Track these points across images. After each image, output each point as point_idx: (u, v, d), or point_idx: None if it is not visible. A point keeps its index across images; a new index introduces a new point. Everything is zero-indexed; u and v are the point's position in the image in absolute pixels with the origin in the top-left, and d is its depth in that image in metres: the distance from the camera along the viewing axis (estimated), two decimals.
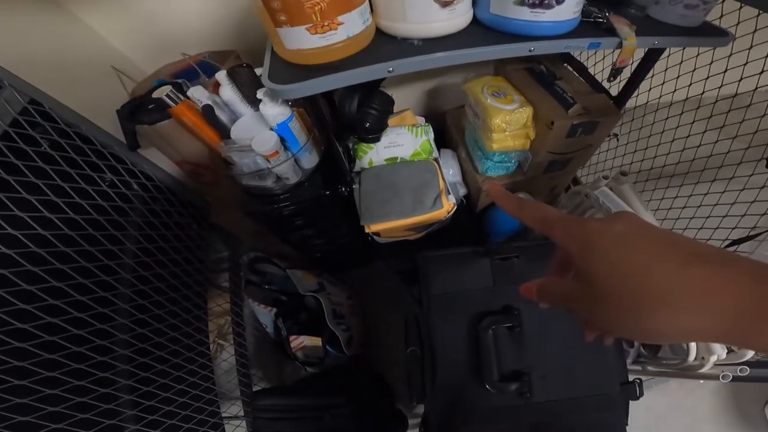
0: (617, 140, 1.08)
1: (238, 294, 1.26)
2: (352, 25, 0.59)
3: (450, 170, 1.18)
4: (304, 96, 0.63)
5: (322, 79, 0.61)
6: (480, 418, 0.71)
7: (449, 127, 1.24)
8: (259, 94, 0.73)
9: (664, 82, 1.00)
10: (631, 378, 0.74)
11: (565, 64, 1.04)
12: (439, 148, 1.15)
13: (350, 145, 1.03)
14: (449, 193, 0.99)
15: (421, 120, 1.07)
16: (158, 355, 0.91)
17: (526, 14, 0.60)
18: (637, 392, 0.73)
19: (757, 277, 0.22)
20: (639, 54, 0.83)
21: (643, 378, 1.22)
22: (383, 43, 0.65)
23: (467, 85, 1.00)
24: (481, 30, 0.66)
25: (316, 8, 0.54)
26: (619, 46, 0.64)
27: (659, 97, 1.03)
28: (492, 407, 0.71)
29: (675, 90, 0.98)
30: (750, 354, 0.69)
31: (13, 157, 0.65)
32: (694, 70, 0.92)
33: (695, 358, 0.74)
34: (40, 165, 0.70)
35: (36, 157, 0.69)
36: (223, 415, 1.21)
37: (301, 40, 0.58)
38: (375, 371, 1.21)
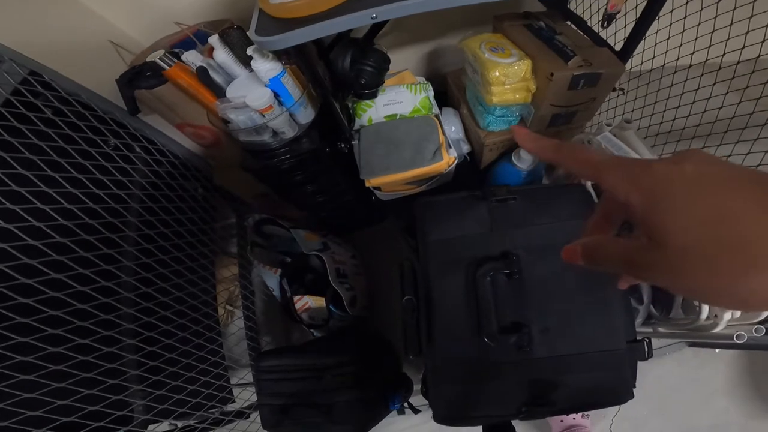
0: (624, 94, 1.05)
1: (246, 259, 1.29)
2: None
3: (452, 127, 1.18)
4: (288, 46, 0.63)
5: (306, 29, 0.61)
6: (476, 374, 0.69)
7: (450, 87, 1.23)
8: (249, 51, 0.75)
9: (681, 44, 0.95)
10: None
11: (568, 22, 1.01)
12: (441, 107, 1.15)
13: (350, 104, 1.03)
14: (450, 147, 1.00)
15: (421, 79, 1.07)
16: (165, 329, 0.93)
17: None
18: (646, 352, 0.70)
19: None
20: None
21: (656, 346, 1.23)
22: None
23: (465, 42, 0.99)
24: None
25: None
26: None
27: (677, 59, 0.98)
28: (490, 361, 0.69)
29: (693, 52, 0.92)
30: (766, 313, 0.65)
31: (16, 122, 0.68)
32: (713, 31, 0.86)
33: (707, 317, 0.70)
34: (44, 129, 0.73)
35: (38, 122, 0.72)
36: (236, 382, 1.26)
37: None
38: (379, 333, 1.22)
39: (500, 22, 1.02)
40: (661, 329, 0.85)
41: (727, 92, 0.87)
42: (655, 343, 1.24)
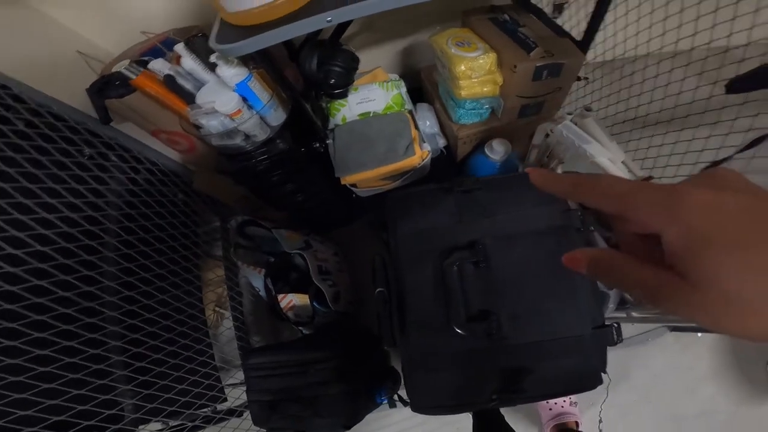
0: (590, 83, 1.08)
1: (231, 261, 1.31)
2: None
3: (427, 122, 1.20)
4: (245, 53, 0.65)
5: (261, 36, 0.63)
6: (449, 363, 0.71)
7: (424, 83, 1.25)
8: (213, 58, 0.76)
9: (638, 33, 0.98)
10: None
11: (531, 15, 1.03)
12: (416, 103, 1.16)
13: (324, 104, 1.05)
14: (424, 142, 1.01)
15: (394, 76, 1.09)
16: (150, 331, 0.95)
17: None
18: (615, 337, 0.71)
19: None
20: None
21: (637, 332, 1.25)
22: None
23: (433, 38, 1.01)
24: None
25: None
26: None
27: (635, 48, 1.01)
28: (461, 350, 0.70)
29: (649, 40, 0.94)
30: None
31: None
32: (665, 19, 0.89)
33: None
34: (17, 142, 0.74)
35: (10, 134, 0.73)
36: (229, 381, 1.28)
37: (239, 2, 0.61)
38: (365, 328, 1.24)
39: (468, 17, 1.04)
40: (635, 314, 0.87)
41: (684, 78, 0.89)
42: (637, 329, 1.26)
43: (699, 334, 1.26)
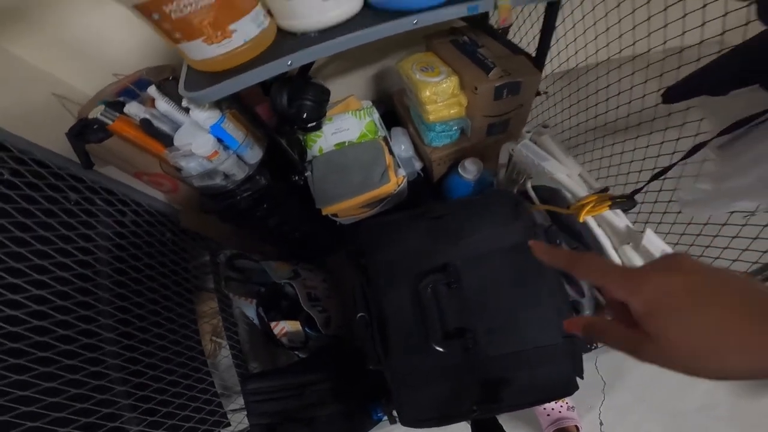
0: (550, 97, 1.12)
1: (224, 293, 1.34)
2: (247, 30, 0.64)
3: (402, 146, 1.23)
4: (213, 100, 0.69)
5: (227, 83, 0.67)
6: (432, 378, 0.74)
7: (397, 107, 1.29)
8: (184, 103, 0.79)
9: (607, 44, 1.00)
10: None
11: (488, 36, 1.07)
12: (391, 127, 1.20)
13: (300, 136, 1.08)
14: (399, 167, 1.05)
15: (366, 103, 1.12)
16: (149, 362, 1.00)
17: None
18: (589, 344, 0.76)
19: None
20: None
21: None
22: (285, 40, 0.70)
23: (399, 65, 1.05)
24: (371, 12, 0.71)
25: (205, 22, 0.60)
26: (495, 6, 0.68)
27: (585, 58, 1.05)
28: (441, 366, 0.73)
29: (621, 51, 0.96)
30: None
31: None
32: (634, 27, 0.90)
33: None
34: (4, 191, 0.78)
35: None
36: (231, 408, 1.31)
37: (202, 52, 0.64)
38: (357, 348, 1.27)
39: (430, 41, 1.09)
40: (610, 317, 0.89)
41: (645, 81, 0.91)
42: None
43: None
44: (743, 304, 0.27)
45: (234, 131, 0.86)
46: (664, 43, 0.80)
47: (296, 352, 1.22)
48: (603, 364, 1.28)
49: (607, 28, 0.90)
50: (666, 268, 0.30)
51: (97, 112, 0.80)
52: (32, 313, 0.75)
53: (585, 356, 1.24)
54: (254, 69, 0.66)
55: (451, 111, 1.02)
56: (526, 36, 1.16)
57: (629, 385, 1.26)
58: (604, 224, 0.74)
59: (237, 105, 0.82)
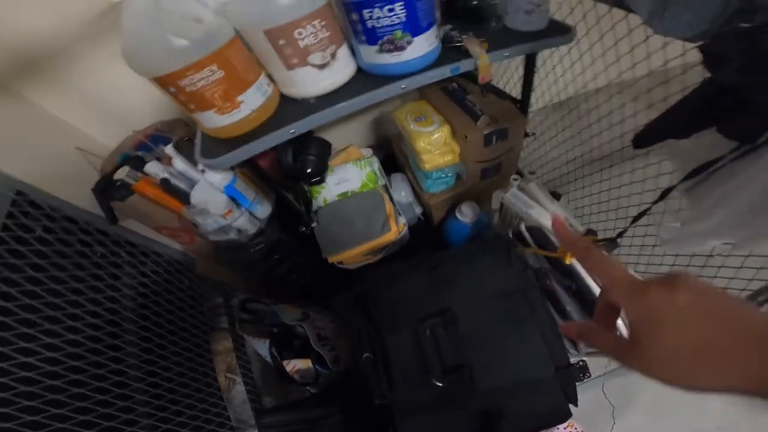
0: (534, 138, 1.18)
1: (237, 333, 1.40)
2: (253, 100, 0.72)
3: (402, 192, 1.29)
4: (226, 166, 0.76)
5: (238, 151, 0.74)
6: (433, 410, 0.79)
7: (396, 153, 1.36)
8: (200, 166, 0.87)
9: (596, 76, 1.02)
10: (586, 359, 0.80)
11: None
12: (392, 172, 1.27)
13: (306, 188, 1.15)
14: (400, 215, 1.11)
15: (367, 152, 1.19)
16: (171, 398, 1.05)
17: (389, 58, 0.72)
18: (581, 374, 0.80)
19: None
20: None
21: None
22: (288, 105, 0.78)
23: (395, 114, 1.12)
24: (364, 77, 0.79)
25: (216, 95, 0.67)
26: (476, 66, 0.75)
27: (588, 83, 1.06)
28: (440, 399, 0.79)
29: (609, 82, 1.00)
30: None
31: (15, 243, 0.81)
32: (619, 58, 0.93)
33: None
34: (39, 248, 0.86)
35: (34, 242, 0.84)
36: None
37: (213, 121, 0.72)
38: (364, 383, 1.31)
39: (423, 89, 1.15)
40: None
41: (635, 113, 0.92)
42: None
43: None
44: (728, 333, 0.29)
45: (245, 190, 0.93)
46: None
47: (308, 388, 1.27)
48: (611, 389, 1.30)
49: (585, 67, 0.96)
50: (669, 284, 0.30)
51: (123, 173, 0.87)
52: (67, 354, 0.81)
53: (592, 383, 1.28)
54: (261, 138, 0.74)
55: (446, 158, 1.08)
56: (511, 78, 1.23)
57: (641, 407, 1.28)
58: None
59: (247, 166, 0.89)
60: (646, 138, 0.70)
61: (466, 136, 0.99)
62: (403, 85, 0.76)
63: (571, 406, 0.78)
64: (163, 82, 0.65)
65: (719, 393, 0.29)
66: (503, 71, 1.29)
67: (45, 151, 0.93)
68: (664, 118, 0.67)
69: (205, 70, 0.64)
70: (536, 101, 1.12)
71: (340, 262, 1.12)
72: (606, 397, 1.29)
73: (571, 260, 0.77)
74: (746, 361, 0.28)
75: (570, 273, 0.85)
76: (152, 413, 1.00)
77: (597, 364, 1.30)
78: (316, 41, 0.69)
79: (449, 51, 0.79)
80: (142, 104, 1.05)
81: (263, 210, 1.00)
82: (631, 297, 0.32)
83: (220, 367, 1.43)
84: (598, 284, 0.79)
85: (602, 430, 1.27)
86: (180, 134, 0.98)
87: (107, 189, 0.93)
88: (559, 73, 1.09)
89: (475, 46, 0.75)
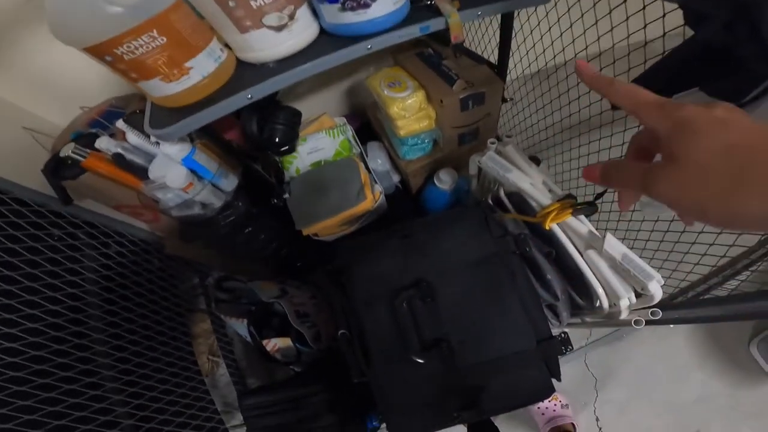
0: (513, 104, 1.14)
1: (215, 314, 1.36)
2: (203, 66, 0.66)
3: (378, 160, 1.25)
4: (178, 136, 0.71)
5: (191, 119, 0.68)
6: (413, 388, 0.76)
7: (372, 121, 1.31)
8: (153, 138, 0.81)
9: (562, 47, 0.98)
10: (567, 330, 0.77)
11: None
12: (367, 142, 1.21)
13: (277, 158, 1.10)
14: (376, 183, 1.06)
15: (341, 120, 1.14)
16: (146, 384, 1.02)
17: (352, 17, 0.66)
18: (564, 347, 0.77)
19: None
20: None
21: (611, 329, 1.28)
22: (245, 71, 0.72)
23: (368, 81, 1.07)
24: (327, 39, 0.73)
25: (159, 62, 0.61)
26: (447, 25, 0.70)
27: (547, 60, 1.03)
28: (421, 376, 0.76)
29: (587, 47, 0.93)
30: (658, 297, 0.68)
31: None
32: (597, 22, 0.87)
33: (609, 305, 0.75)
34: None
35: None
36: (233, 424, 1.34)
37: (161, 89, 0.66)
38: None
39: (397, 55, 1.10)
40: (588, 319, 0.90)
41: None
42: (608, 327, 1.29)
43: (671, 326, 1.29)
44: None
45: (207, 162, 0.88)
46: (627, 37, 0.79)
47: (292, 367, 1.24)
48: (592, 361, 1.30)
49: (563, 31, 0.91)
50: (707, 105, 0.28)
51: (68, 150, 0.80)
52: (28, 344, 0.78)
53: (575, 354, 1.28)
54: (215, 104, 0.68)
55: (422, 124, 1.04)
56: (489, 44, 1.17)
57: (623, 380, 1.28)
58: (569, 230, 0.76)
59: (207, 136, 0.84)
60: None
61: (441, 101, 0.94)
62: (369, 45, 0.70)
63: (554, 380, 0.75)
64: (97, 51, 0.58)
65: (757, 224, 0.26)
66: (480, 37, 1.23)
67: None
68: (643, 78, 0.63)
69: (144, 36, 0.58)
70: (514, 67, 1.07)
71: (316, 234, 1.08)
72: (589, 370, 1.30)
73: (550, 225, 0.73)
74: None
75: (549, 239, 0.82)
76: (126, 401, 0.97)
77: (578, 335, 1.30)
78: (270, 1, 0.62)
79: (419, 10, 0.73)
80: (94, 80, 1.00)
81: (228, 183, 0.95)
82: (666, 113, 0.30)
83: (201, 350, 1.40)
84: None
85: (586, 401, 1.28)
86: (135, 109, 0.91)
87: (58, 168, 0.87)
88: (537, 38, 1.02)
89: (445, 4, 0.70)
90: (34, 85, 0.96)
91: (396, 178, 1.27)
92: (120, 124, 0.83)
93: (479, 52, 1.20)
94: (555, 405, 1.22)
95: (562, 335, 0.75)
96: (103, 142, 0.82)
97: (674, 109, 0.29)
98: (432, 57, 1.05)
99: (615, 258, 0.66)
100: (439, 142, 1.13)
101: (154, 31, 0.58)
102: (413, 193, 1.29)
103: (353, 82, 1.35)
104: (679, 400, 1.24)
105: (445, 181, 1.12)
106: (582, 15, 0.84)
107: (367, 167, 1.08)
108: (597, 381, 1.28)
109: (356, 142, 1.12)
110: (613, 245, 0.67)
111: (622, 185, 0.35)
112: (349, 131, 1.11)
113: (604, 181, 0.36)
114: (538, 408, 1.23)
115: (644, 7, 0.71)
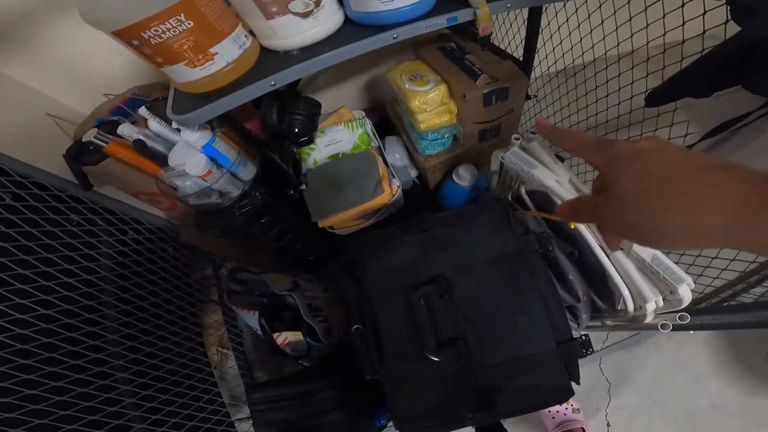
0: (536, 101, 1.12)
1: (227, 305, 1.36)
2: (228, 52, 0.65)
3: (396, 155, 1.24)
4: (200, 122, 0.70)
5: (213, 105, 0.67)
6: (426, 387, 0.74)
7: (390, 116, 1.30)
8: (174, 124, 0.80)
9: (573, 44, 1.00)
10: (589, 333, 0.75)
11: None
12: (385, 136, 1.20)
13: (294, 150, 1.09)
14: (393, 177, 1.05)
15: (359, 114, 1.13)
16: (157, 375, 1.02)
17: (378, 5, 0.65)
18: (584, 349, 0.75)
19: (761, 183, 0.25)
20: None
21: (629, 333, 1.25)
22: (269, 59, 0.71)
23: (388, 74, 1.06)
24: (352, 28, 0.71)
25: (185, 46, 0.61)
26: (475, 16, 0.68)
27: (573, 58, 1.03)
28: (435, 375, 0.74)
29: (608, 50, 0.93)
30: (687, 301, 0.67)
31: None
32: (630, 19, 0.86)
33: (635, 308, 0.74)
34: (7, 216, 0.80)
35: (2, 210, 0.79)
36: (239, 417, 1.33)
37: (185, 75, 0.65)
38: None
39: (418, 49, 1.09)
40: (609, 322, 0.88)
41: (632, 82, 0.88)
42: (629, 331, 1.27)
43: (691, 331, 1.26)
44: (700, 163, 0.28)
45: (226, 150, 0.87)
46: (654, 39, 0.77)
47: (300, 361, 1.23)
48: (608, 365, 1.28)
49: (593, 28, 0.89)
50: (634, 140, 0.33)
51: (90, 135, 0.81)
52: (40, 331, 0.78)
53: (589, 358, 1.25)
54: (238, 91, 0.67)
55: (442, 119, 1.02)
56: (513, 40, 1.15)
57: (636, 386, 1.25)
58: (595, 230, 0.74)
59: (228, 124, 0.83)
60: (659, 96, 0.67)
61: (464, 96, 0.93)
62: (395, 35, 0.69)
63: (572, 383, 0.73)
64: (125, 34, 0.58)
65: (694, 241, 0.28)
66: (504, 33, 1.22)
67: (14, 120, 0.90)
68: (682, 76, 0.63)
69: (172, 20, 0.57)
70: (539, 64, 1.05)
71: (331, 227, 1.07)
72: (603, 374, 1.27)
73: (575, 225, 0.71)
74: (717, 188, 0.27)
75: (572, 239, 0.80)
76: (135, 391, 0.96)
77: (594, 339, 1.27)
78: None
79: (446, 0, 0.72)
80: (118, 69, 1.02)
81: (247, 171, 0.94)
82: (601, 151, 0.34)
83: (211, 341, 1.40)
84: (605, 252, 0.74)
85: (597, 406, 1.25)
86: (158, 96, 0.91)
87: (79, 153, 0.88)
88: (565, 35, 1.01)
89: None
90: (60, 72, 0.98)
91: (413, 174, 1.25)
92: (142, 110, 0.83)
93: (503, 48, 1.18)
94: (566, 409, 1.19)
95: (583, 337, 0.73)
96: (125, 129, 0.83)
97: (606, 147, 0.33)
98: (455, 51, 1.04)
99: (644, 260, 0.64)
100: (459, 138, 1.12)
101: (182, 14, 0.57)
102: (430, 188, 1.27)
103: (372, 76, 1.34)
104: (692, 407, 1.21)
105: (464, 177, 1.10)
106: (615, 11, 0.82)
107: (385, 161, 1.06)
108: (611, 386, 1.26)
109: (375, 135, 1.11)
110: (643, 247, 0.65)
111: (582, 218, 0.39)
112: (368, 124, 1.09)
113: (572, 215, 0.39)
114: (549, 411, 1.21)
115: (683, 5, 0.69)
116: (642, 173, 0.30)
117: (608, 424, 1.23)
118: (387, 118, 1.34)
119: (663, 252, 0.65)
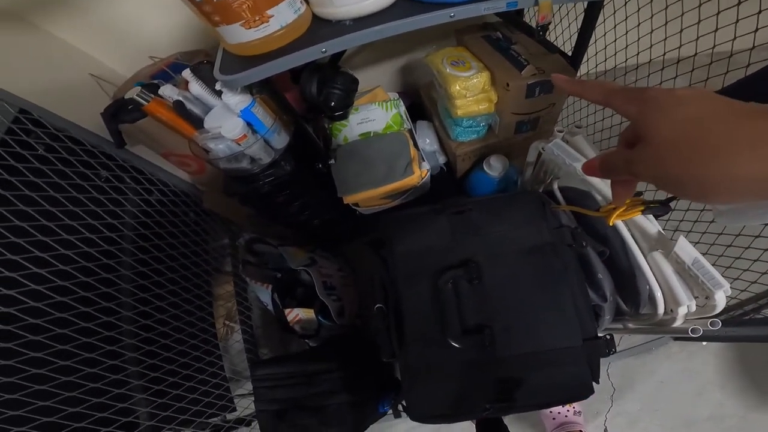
0: (579, 98, 1.10)
1: (240, 276, 1.35)
2: (283, 16, 0.65)
3: (426, 139, 1.23)
4: (247, 83, 0.69)
5: (262, 67, 0.67)
6: (445, 374, 0.73)
7: (424, 100, 1.29)
8: (218, 86, 0.80)
9: (627, 45, 0.98)
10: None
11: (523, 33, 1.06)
12: (416, 120, 1.19)
13: (326, 124, 1.09)
14: (423, 161, 1.04)
15: (394, 95, 1.12)
16: (164, 344, 1.01)
17: None
18: (607, 348, 0.74)
19: None
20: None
21: (641, 341, 1.25)
22: (320, 28, 0.70)
23: (429, 58, 1.05)
24: (408, 3, 0.70)
25: (244, 6, 0.60)
26: (536, 2, 0.67)
27: (648, 62, 1.00)
28: (456, 362, 0.72)
29: (665, 53, 0.91)
30: (720, 308, 0.65)
31: (12, 160, 0.75)
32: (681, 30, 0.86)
33: (665, 311, 0.73)
34: (38, 166, 0.80)
35: (33, 160, 0.79)
36: (239, 393, 1.33)
37: (239, 35, 0.65)
38: (369, 340, 1.27)
39: (462, 36, 1.08)
40: (630, 325, 0.87)
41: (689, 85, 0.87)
42: (641, 338, 1.27)
43: (704, 343, 1.26)
44: (744, 108, 0.27)
45: (263, 116, 0.86)
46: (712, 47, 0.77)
47: (307, 341, 1.23)
48: (615, 371, 1.27)
49: (665, 23, 0.86)
50: (669, 87, 0.31)
51: (133, 93, 0.81)
52: (55, 288, 0.77)
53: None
54: (289, 55, 0.66)
55: (480, 107, 1.01)
56: (562, 35, 1.14)
57: (640, 393, 1.25)
58: (634, 229, 0.73)
59: (268, 90, 0.82)
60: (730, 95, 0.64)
61: (507, 84, 0.91)
62: (452, 13, 0.67)
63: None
64: None
65: (737, 192, 0.26)
66: (553, 27, 1.19)
67: (58, 78, 0.92)
68: (750, 80, 0.62)
69: None
70: (587, 60, 1.03)
71: (356, 204, 1.06)
72: (609, 379, 1.27)
73: (614, 221, 0.70)
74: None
75: (603, 238, 0.79)
76: (141, 359, 0.96)
77: None
78: None
79: None
80: (162, 34, 1.03)
81: (280, 140, 0.93)
82: (632, 97, 0.32)
83: (219, 312, 1.39)
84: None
85: (598, 410, 1.25)
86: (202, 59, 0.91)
87: (118, 111, 0.89)
88: (620, 33, 0.99)
89: None
90: (106, 34, 1.00)
91: (442, 160, 1.25)
92: (186, 73, 0.83)
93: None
94: (567, 410, 1.19)
95: (607, 336, 0.73)
96: (167, 90, 0.83)
97: (639, 92, 0.31)
98: (501, 41, 1.02)
99: (684, 262, 0.63)
100: (494, 128, 1.10)
101: None
102: (457, 176, 1.27)
103: (409, 60, 1.34)
104: (690, 417, 1.22)
105: (495, 167, 1.09)
106: (682, 13, 0.81)
107: (415, 144, 1.06)
108: (615, 391, 1.26)
109: (407, 117, 1.10)
110: (685, 249, 0.64)
111: (614, 173, 0.36)
112: (402, 106, 1.09)
113: (603, 171, 0.37)
114: (551, 411, 1.20)
115: (737, 21, 0.69)
116: (686, 118, 0.28)
117: (605, 429, 1.23)
118: (419, 103, 1.33)
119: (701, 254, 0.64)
